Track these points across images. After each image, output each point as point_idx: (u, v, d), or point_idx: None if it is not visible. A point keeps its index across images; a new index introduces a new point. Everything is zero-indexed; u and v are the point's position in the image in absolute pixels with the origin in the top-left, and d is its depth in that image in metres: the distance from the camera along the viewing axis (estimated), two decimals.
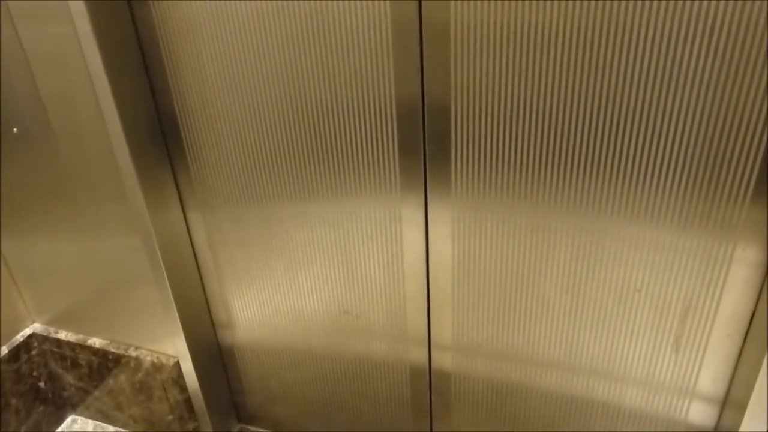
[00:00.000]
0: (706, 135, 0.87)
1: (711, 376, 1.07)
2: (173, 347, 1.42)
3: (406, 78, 0.98)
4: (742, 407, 1.02)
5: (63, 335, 1.52)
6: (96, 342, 1.49)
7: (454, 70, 0.94)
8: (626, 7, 0.81)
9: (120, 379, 1.50)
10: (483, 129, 0.98)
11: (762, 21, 0.77)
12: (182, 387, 1.45)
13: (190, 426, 1.52)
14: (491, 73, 0.93)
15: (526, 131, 0.95)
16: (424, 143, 1.03)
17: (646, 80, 0.86)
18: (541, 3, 0.85)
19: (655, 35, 0.82)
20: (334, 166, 1.12)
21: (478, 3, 0.88)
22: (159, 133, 1.21)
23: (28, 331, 1.54)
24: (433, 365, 1.29)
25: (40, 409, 1.60)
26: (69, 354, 1.52)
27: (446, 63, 0.94)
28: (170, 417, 1.52)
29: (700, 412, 1.11)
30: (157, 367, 1.44)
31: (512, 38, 0.89)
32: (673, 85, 0.85)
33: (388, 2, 0.93)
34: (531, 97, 0.92)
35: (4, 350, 1.48)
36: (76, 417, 1.68)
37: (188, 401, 1.48)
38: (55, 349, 1.54)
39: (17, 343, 1.51)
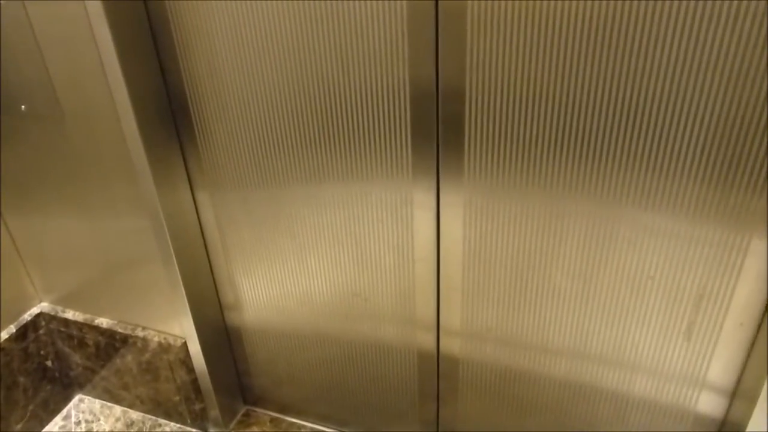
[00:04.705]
0: (726, 123, 0.85)
1: (722, 365, 1.06)
2: (180, 328, 1.42)
3: (420, 59, 0.96)
4: (752, 398, 1.02)
5: (70, 315, 1.52)
6: (103, 322, 1.49)
7: (469, 51, 0.93)
8: None
9: (127, 359, 1.51)
10: (498, 112, 0.96)
11: None
12: (189, 368, 1.46)
13: (197, 406, 1.53)
14: (508, 56, 0.91)
15: (542, 115, 0.94)
16: (438, 126, 1.01)
17: (666, 65, 0.84)
18: None
19: (677, 19, 0.80)
20: (345, 148, 1.10)
21: None
22: (169, 112, 1.19)
23: (35, 311, 1.55)
24: (441, 350, 1.28)
25: (48, 387, 1.60)
26: (76, 334, 1.53)
27: (462, 44, 0.92)
28: (177, 397, 1.53)
29: (710, 402, 1.11)
30: (164, 348, 1.44)
31: (530, 19, 0.87)
32: (693, 71, 0.83)
33: None
34: (548, 80, 0.91)
35: (12, 329, 1.48)
36: (83, 396, 1.69)
37: (195, 382, 1.49)
38: (62, 329, 1.54)
39: (25, 322, 1.51)
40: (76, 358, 1.58)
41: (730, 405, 1.10)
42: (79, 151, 1.24)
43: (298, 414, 1.60)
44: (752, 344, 1.02)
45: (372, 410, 1.48)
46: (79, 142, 1.23)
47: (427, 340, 1.28)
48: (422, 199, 1.10)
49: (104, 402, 1.67)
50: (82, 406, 1.67)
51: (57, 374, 1.62)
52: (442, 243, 1.14)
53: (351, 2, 0.95)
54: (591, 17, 0.84)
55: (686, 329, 1.05)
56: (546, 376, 1.22)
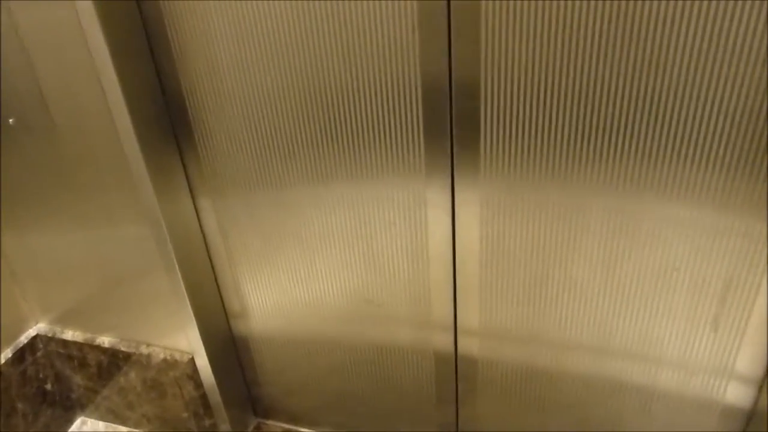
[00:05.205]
0: (751, 111, 0.83)
1: (750, 356, 1.04)
2: (186, 341, 1.37)
3: (432, 54, 0.93)
4: None
5: (69, 335, 1.46)
6: (105, 341, 1.44)
7: (484, 45, 0.89)
8: None
9: (131, 378, 1.46)
10: (514, 107, 0.93)
11: None
12: (197, 383, 1.41)
13: (207, 422, 1.48)
14: (524, 49, 0.88)
15: (559, 108, 0.91)
16: (451, 122, 0.98)
17: (684, 54, 0.81)
18: None
19: (694, 7, 0.77)
20: (354, 148, 1.07)
21: None
22: (166, 117, 1.15)
23: (32, 332, 1.49)
24: (459, 351, 1.25)
25: (48, 412, 1.55)
26: (76, 354, 1.47)
27: (476, 38, 0.89)
28: (185, 414, 1.48)
29: (738, 393, 1.09)
30: (171, 364, 1.39)
31: (545, 12, 0.84)
32: (712, 59, 0.80)
33: None
34: (564, 73, 0.88)
35: (8, 353, 1.43)
36: (86, 418, 1.63)
37: (204, 397, 1.44)
38: (61, 350, 1.48)
39: (21, 345, 1.45)
40: (77, 380, 1.53)
41: (758, 395, 1.08)
42: (73, 161, 1.19)
43: (310, 424, 1.57)
44: None
45: (388, 416, 1.45)
46: (72, 152, 1.18)
47: (444, 342, 1.25)
48: (436, 198, 1.06)
49: (109, 423, 1.61)
50: (85, 428, 1.62)
51: (57, 397, 1.56)
52: (457, 242, 1.10)
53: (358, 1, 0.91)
54: (606, 9, 0.81)
55: (713, 321, 1.02)
56: (568, 373, 1.19)
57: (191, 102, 1.12)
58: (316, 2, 0.94)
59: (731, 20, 0.78)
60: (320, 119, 1.06)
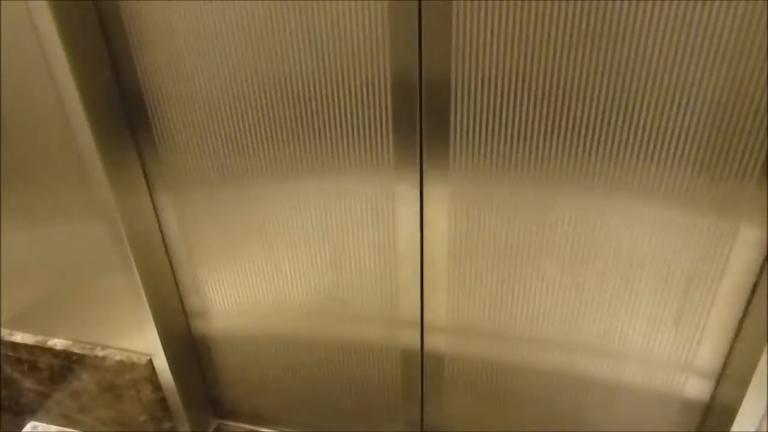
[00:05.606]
0: (716, 111, 0.84)
1: (709, 350, 1.07)
2: (144, 342, 1.32)
3: (402, 49, 0.91)
4: (741, 381, 1.02)
5: (19, 338, 1.39)
6: (57, 343, 1.37)
7: (455, 41, 0.88)
8: None
9: (85, 381, 1.40)
10: (485, 103, 0.92)
11: None
12: (156, 385, 1.36)
13: (165, 425, 1.44)
14: (495, 46, 0.87)
15: (530, 105, 0.91)
16: (421, 117, 0.97)
17: (657, 53, 0.82)
18: None
19: (669, 7, 0.78)
20: (321, 143, 1.04)
21: None
22: (123, 113, 1.10)
23: None
24: (425, 348, 1.25)
25: None
26: (26, 358, 1.40)
27: (447, 34, 0.88)
28: (143, 417, 1.43)
29: (697, 386, 1.12)
30: (127, 366, 1.34)
31: (518, 9, 0.83)
32: (683, 59, 0.81)
33: None
34: (537, 69, 0.87)
35: None
36: (37, 423, 1.56)
37: (162, 400, 1.40)
38: (10, 353, 1.41)
39: None
40: (28, 384, 1.46)
41: (716, 388, 1.11)
42: (25, 157, 1.13)
43: (273, 425, 1.54)
44: (739, 329, 1.03)
45: (353, 414, 1.43)
46: (25, 147, 1.12)
47: (410, 339, 1.24)
48: (405, 193, 1.05)
49: (61, 428, 1.55)
50: None
51: (6, 402, 1.49)
52: (425, 238, 1.09)
53: None
54: (580, 6, 0.81)
55: (675, 316, 1.04)
56: (534, 369, 1.20)
57: (150, 96, 1.08)
58: (283, 1, 0.91)
59: (697, 22, 0.78)
60: (286, 114, 1.03)
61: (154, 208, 1.23)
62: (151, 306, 1.26)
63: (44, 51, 0.98)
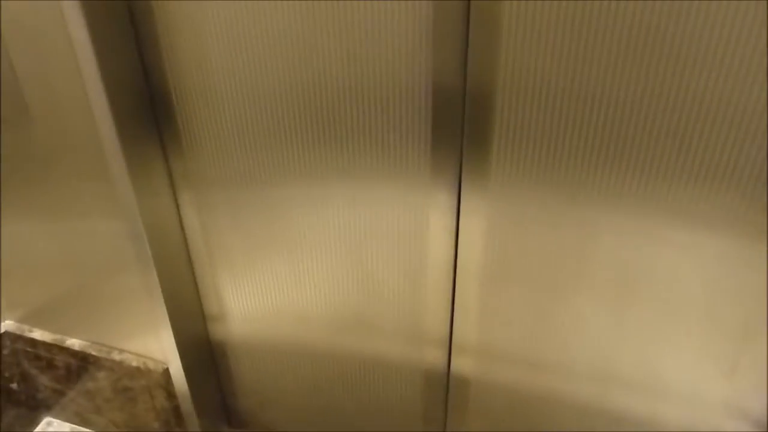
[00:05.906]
0: None
1: (763, 401, 0.98)
2: (160, 346, 1.30)
3: (446, 60, 0.85)
4: None
5: (38, 335, 1.39)
6: (75, 343, 1.36)
7: (505, 52, 0.82)
8: None
9: (101, 383, 1.38)
10: (533, 118, 0.86)
11: None
12: (170, 393, 1.34)
13: None
14: (547, 58, 0.80)
15: (584, 121, 0.84)
16: (462, 130, 0.91)
17: (725, 75, 0.74)
18: None
19: (732, 26, 0.71)
20: (353, 151, 0.99)
21: None
22: (149, 109, 1.08)
23: None
24: (452, 370, 1.19)
25: (13, 411, 1.47)
26: (44, 355, 1.39)
27: (496, 45, 0.82)
28: (156, 423, 1.41)
29: None
30: (143, 373, 1.32)
31: (572, 19, 0.77)
32: (749, 82, 0.74)
33: None
34: (592, 83, 0.80)
35: None
36: (52, 419, 1.56)
37: (176, 408, 1.37)
38: (29, 349, 1.40)
39: None
40: (44, 380, 1.45)
41: None
42: (48, 152, 1.12)
43: None
44: None
45: None
46: (48, 142, 1.11)
47: (436, 360, 1.19)
48: (440, 203, 0.99)
49: (75, 426, 1.54)
50: (50, 429, 1.54)
51: (23, 397, 1.49)
52: (460, 253, 1.03)
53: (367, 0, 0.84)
54: (640, 19, 0.74)
55: (728, 361, 0.96)
56: (565, 402, 1.14)
57: (178, 96, 1.05)
58: (319, 2, 0.86)
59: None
60: (319, 120, 0.98)
61: (177, 207, 1.20)
62: (168, 307, 1.23)
63: (74, 49, 0.96)
